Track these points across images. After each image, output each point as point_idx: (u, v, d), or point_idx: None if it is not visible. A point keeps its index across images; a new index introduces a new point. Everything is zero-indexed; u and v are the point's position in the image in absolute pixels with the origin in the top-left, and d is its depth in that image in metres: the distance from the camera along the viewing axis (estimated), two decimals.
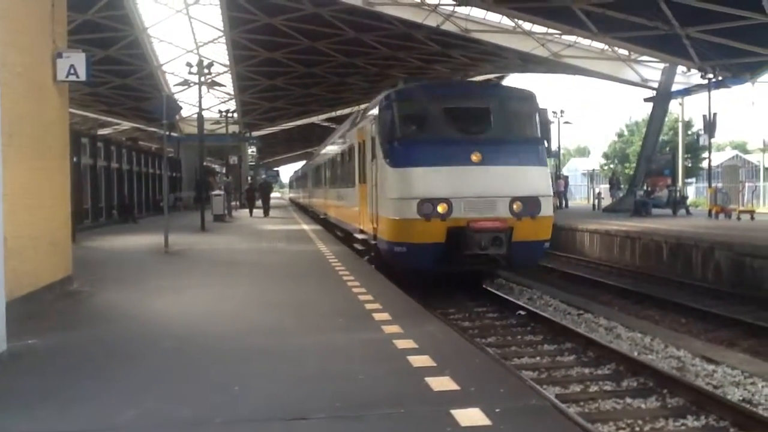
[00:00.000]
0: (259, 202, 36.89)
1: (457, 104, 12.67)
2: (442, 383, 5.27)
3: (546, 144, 13.18)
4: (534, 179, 12.06)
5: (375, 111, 13.39)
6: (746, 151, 73.86)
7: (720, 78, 27.72)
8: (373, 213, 13.21)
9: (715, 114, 28.56)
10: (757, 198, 34.43)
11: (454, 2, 30.00)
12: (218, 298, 9.67)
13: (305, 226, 26.15)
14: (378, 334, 7.06)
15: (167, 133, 18.52)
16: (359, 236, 15.35)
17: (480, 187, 11.59)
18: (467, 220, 11.34)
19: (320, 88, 50.40)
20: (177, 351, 6.56)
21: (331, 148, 24.07)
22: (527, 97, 13.08)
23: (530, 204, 11.77)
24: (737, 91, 40.48)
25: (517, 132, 12.72)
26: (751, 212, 25.08)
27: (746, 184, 32.47)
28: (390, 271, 12.16)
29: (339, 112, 56.74)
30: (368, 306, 8.62)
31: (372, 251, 13.90)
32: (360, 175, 15.10)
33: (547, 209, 12.07)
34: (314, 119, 61.86)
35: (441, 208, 11.38)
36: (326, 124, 61.32)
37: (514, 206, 11.63)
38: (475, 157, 11.71)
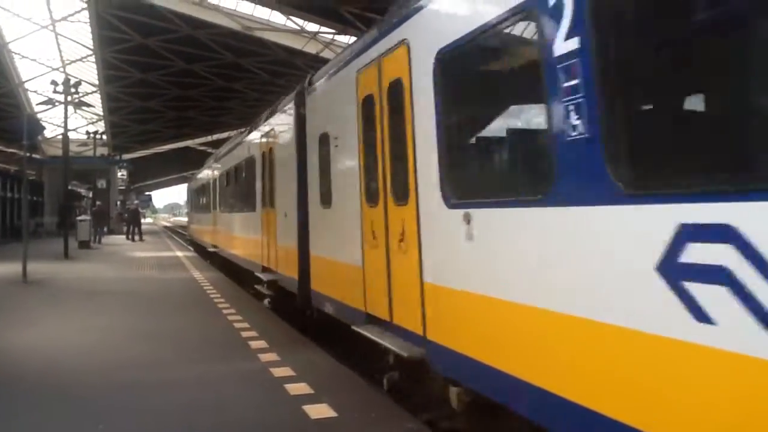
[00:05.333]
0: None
1: None
2: (320, 411, 5.26)
3: None
4: None
5: None
6: None
7: None
8: None
9: None
10: None
11: (333, 31, 30.50)
12: (83, 331, 9.11)
13: (178, 253, 25.29)
14: (254, 363, 6.94)
15: (28, 154, 17.38)
16: None
17: None
18: None
19: (196, 111, 49.36)
20: (36, 389, 6.11)
21: None
22: None
23: None
24: None
25: None
26: None
27: None
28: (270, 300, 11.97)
29: (216, 137, 55.75)
30: (245, 334, 8.47)
31: None
32: None
33: None
34: (189, 143, 60.33)
35: None
36: (203, 148, 60.02)
37: None
38: None
